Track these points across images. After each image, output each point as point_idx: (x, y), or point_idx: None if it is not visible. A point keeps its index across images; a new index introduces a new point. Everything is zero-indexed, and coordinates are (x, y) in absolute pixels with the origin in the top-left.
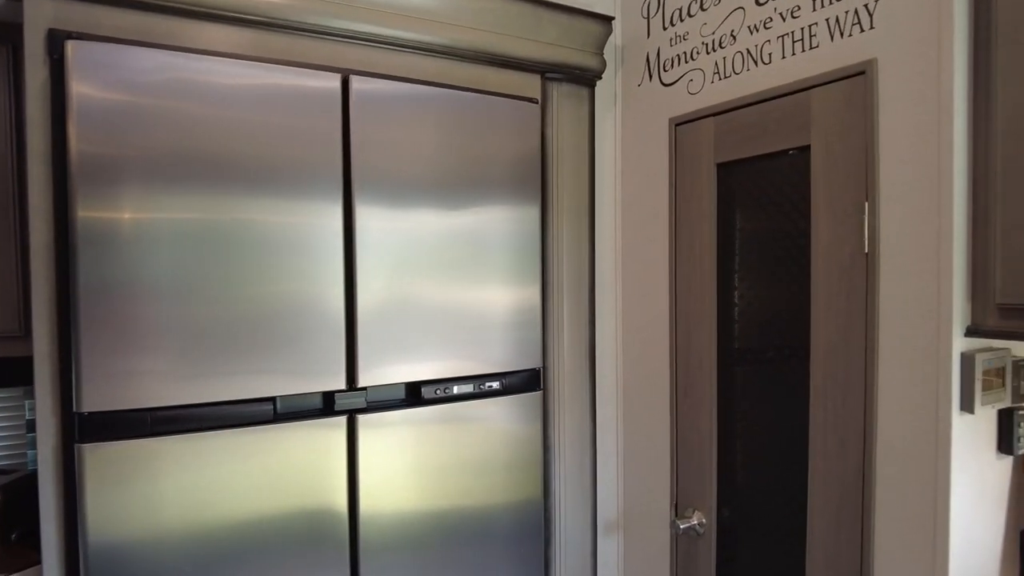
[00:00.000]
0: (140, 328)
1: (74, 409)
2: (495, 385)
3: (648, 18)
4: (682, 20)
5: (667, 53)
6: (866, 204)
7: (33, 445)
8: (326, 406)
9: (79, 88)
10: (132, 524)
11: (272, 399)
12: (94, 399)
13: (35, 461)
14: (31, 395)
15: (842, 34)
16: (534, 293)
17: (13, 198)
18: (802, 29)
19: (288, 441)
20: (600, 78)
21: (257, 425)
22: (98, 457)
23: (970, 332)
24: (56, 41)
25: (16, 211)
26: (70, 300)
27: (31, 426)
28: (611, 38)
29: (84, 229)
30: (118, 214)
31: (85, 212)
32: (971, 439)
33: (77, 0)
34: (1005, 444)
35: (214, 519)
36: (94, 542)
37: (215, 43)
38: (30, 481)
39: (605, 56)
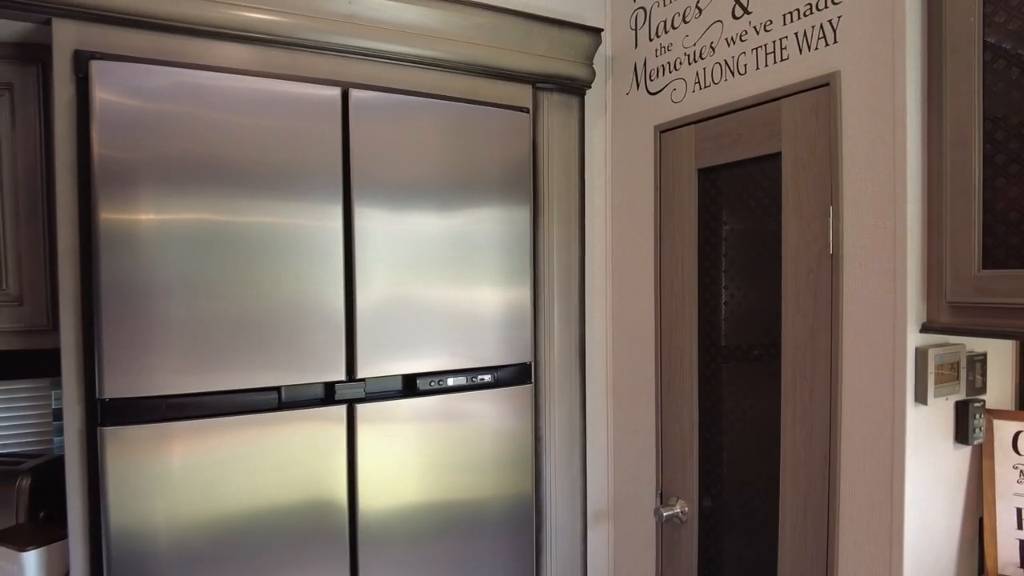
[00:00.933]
0: (155, 322)
1: (97, 396)
2: (487, 378)
3: (636, 29)
4: (666, 32)
5: (653, 63)
6: (831, 208)
7: (59, 432)
8: (327, 396)
9: (102, 103)
10: (149, 501)
11: (277, 388)
12: (115, 387)
13: (61, 446)
14: (57, 385)
15: (809, 47)
16: (524, 292)
17: (42, 204)
18: (774, 42)
19: (292, 428)
20: (589, 87)
21: (263, 412)
22: (118, 439)
23: (925, 329)
24: (81, 61)
25: (44, 216)
26: (93, 296)
27: (57, 414)
28: (601, 48)
29: (106, 231)
30: (136, 216)
31: (107, 215)
32: (926, 429)
33: (99, 23)
34: (961, 435)
35: (223, 498)
36: (115, 516)
37: (223, 59)
38: (56, 464)
39: (595, 66)
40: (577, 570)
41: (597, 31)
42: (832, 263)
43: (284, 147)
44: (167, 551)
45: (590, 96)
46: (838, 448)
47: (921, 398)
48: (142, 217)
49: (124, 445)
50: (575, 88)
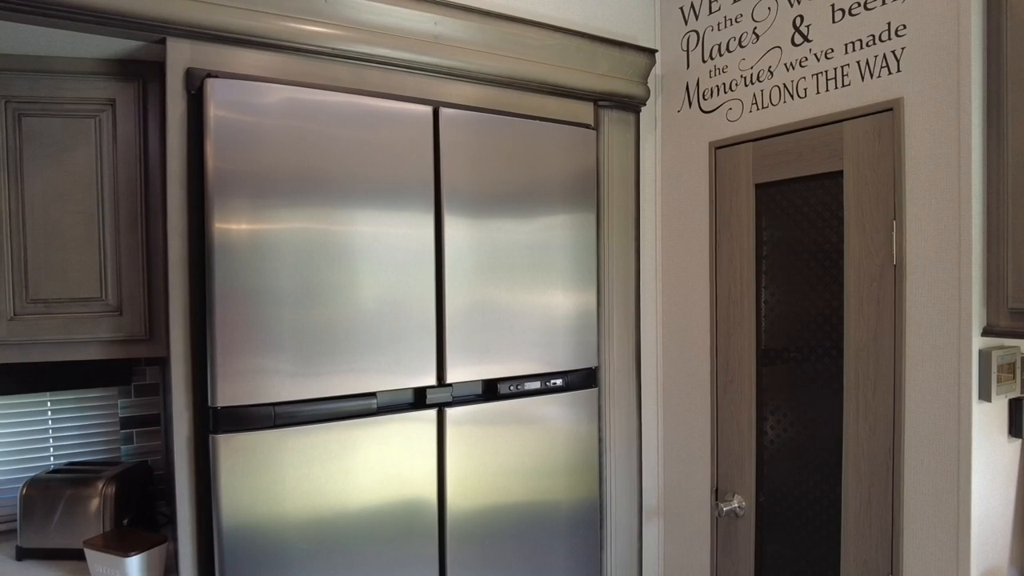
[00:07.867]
0: (264, 331)
1: (209, 404)
2: (559, 382)
3: (687, 51)
4: (721, 55)
5: (707, 83)
6: (894, 222)
7: (127, 440)
8: (417, 400)
9: (217, 119)
10: (258, 504)
11: (374, 394)
12: (227, 395)
13: (129, 454)
14: (126, 394)
15: (872, 75)
16: (591, 298)
17: (141, 217)
18: (835, 69)
19: (388, 431)
20: (644, 105)
21: (362, 417)
22: (231, 446)
23: (986, 332)
24: (193, 79)
25: (143, 229)
26: (206, 306)
27: (124, 422)
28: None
29: (220, 240)
30: (247, 226)
31: (221, 224)
32: (987, 424)
33: (210, 42)
34: (1015, 429)
35: (325, 499)
36: (227, 521)
37: (321, 78)
38: (133, 471)
39: (648, 85)
40: (633, 564)
41: (652, 52)
42: (895, 273)
43: (382, 161)
44: (274, 550)
45: (641, 112)
46: (902, 441)
47: (985, 396)
48: (253, 227)
49: (236, 451)
50: (632, 106)
